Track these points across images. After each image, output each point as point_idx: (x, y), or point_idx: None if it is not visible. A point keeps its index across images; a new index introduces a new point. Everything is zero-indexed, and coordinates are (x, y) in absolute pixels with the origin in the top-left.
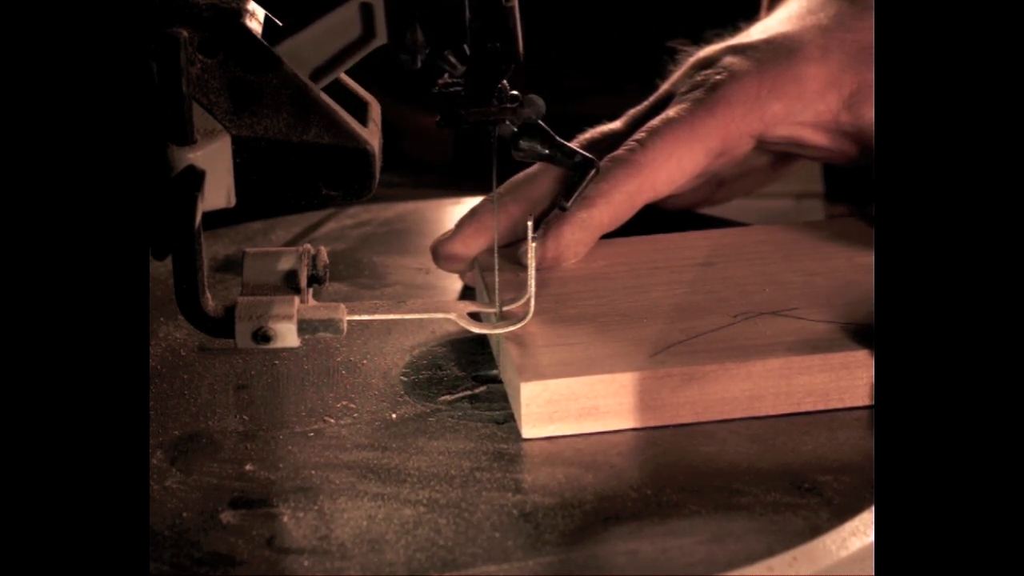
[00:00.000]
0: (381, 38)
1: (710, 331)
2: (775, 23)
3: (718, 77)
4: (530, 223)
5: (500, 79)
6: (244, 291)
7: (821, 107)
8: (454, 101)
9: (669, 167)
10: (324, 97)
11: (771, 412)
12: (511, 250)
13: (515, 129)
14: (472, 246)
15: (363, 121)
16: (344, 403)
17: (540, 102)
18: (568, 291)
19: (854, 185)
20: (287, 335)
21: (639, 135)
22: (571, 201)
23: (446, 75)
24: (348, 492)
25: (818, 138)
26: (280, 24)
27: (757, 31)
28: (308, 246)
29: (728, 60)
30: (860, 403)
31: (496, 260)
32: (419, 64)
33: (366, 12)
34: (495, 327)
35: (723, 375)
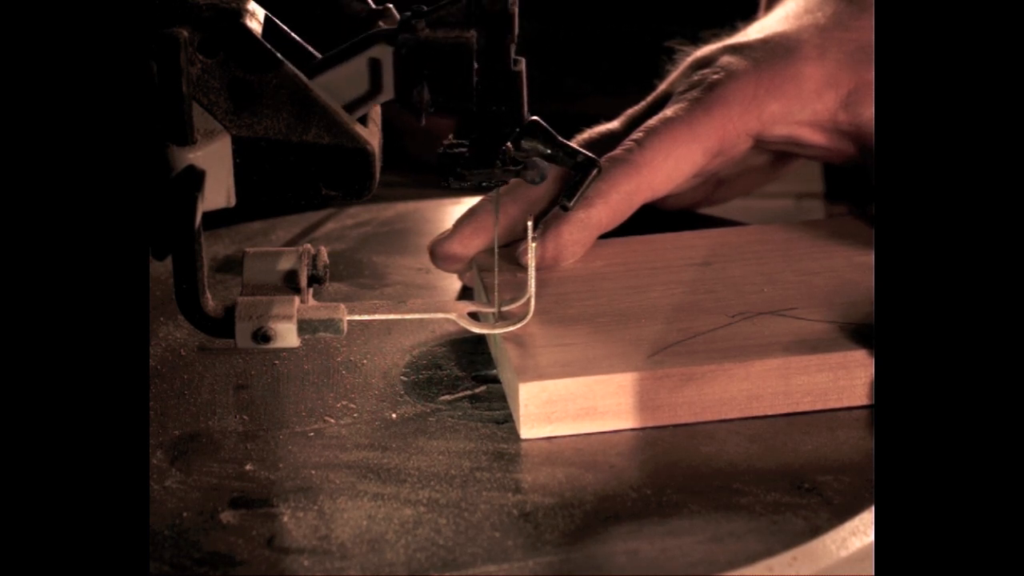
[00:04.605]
0: (388, 93)
1: (708, 331)
2: (772, 22)
3: (715, 77)
4: (530, 223)
5: (504, 142)
6: (244, 291)
7: (819, 106)
8: (458, 162)
9: (667, 167)
10: (324, 97)
11: (770, 412)
12: (508, 250)
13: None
14: (470, 246)
15: (363, 121)
16: (344, 403)
17: (544, 165)
18: (566, 291)
19: (854, 185)
20: (287, 335)
21: (637, 135)
22: (573, 201)
23: (451, 135)
24: (348, 492)
25: (816, 137)
26: (283, 27)
27: (754, 31)
28: (308, 246)
29: (725, 60)
30: (859, 403)
31: (496, 260)
32: (423, 122)
33: (374, 67)
34: (494, 327)
35: (721, 375)
